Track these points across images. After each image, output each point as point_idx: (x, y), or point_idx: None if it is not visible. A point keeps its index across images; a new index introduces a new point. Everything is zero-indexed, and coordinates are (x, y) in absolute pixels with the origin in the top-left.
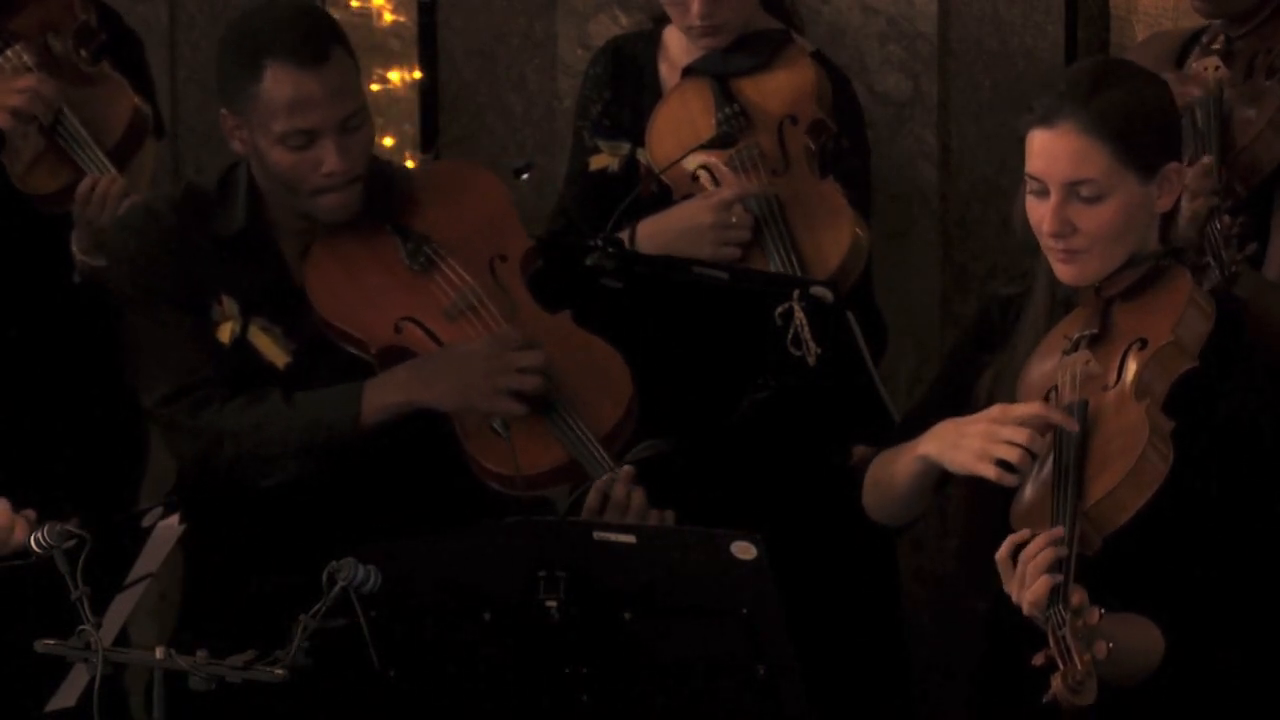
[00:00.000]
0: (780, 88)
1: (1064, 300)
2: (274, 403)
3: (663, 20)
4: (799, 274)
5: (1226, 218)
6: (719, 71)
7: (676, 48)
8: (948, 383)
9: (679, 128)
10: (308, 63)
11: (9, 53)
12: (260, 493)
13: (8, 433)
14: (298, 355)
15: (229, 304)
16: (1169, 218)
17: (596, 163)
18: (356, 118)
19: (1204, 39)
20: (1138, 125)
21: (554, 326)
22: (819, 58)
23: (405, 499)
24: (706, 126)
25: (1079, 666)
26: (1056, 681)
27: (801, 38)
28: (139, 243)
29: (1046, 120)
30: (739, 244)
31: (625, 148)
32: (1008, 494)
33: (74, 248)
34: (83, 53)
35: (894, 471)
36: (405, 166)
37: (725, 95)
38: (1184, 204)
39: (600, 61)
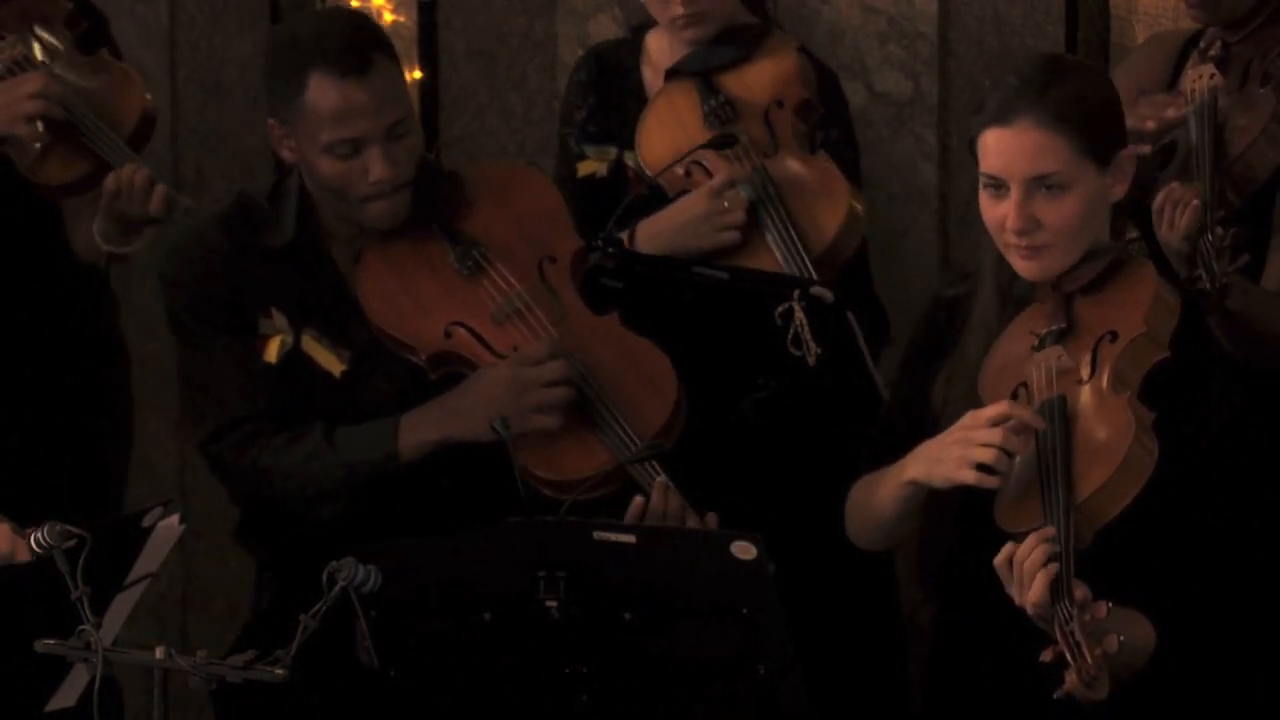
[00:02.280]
0: (763, 76)
1: (1017, 298)
2: (315, 441)
3: (641, 29)
4: (800, 250)
5: (1219, 229)
6: (701, 68)
7: (659, 52)
8: (903, 395)
9: (669, 129)
10: (351, 72)
11: (2, 44)
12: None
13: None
14: (353, 362)
15: (278, 317)
16: (1119, 209)
17: (584, 169)
18: (402, 125)
19: (1201, 44)
20: (1093, 115)
21: (601, 328)
22: (803, 52)
23: (415, 505)
24: (695, 123)
25: (1090, 661)
26: (1071, 678)
27: (782, 30)
28: (189, 267)
29: (1002, 118)
30: (735, 227)
31: (612, 152)
32: (964, 493)
33: (97, 238)
34: (70, 40)
35: (879, 498)
36: (455, 169)
37: (710, 89)
38: (1172, 220)
39: (583, 68)
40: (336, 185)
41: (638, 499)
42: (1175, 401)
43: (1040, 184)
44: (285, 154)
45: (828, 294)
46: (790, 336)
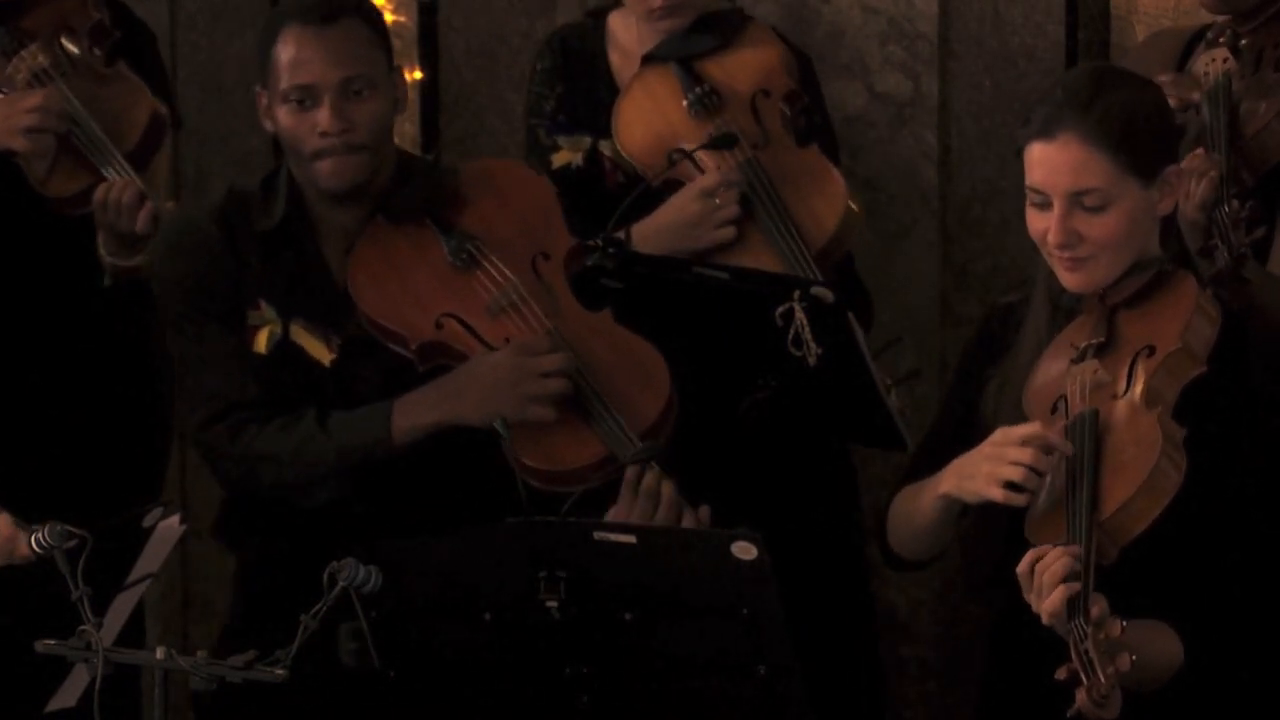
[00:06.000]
0: (747, 64)
1: (1066, 309)
2: (308, 426)
3: (600, 12)
4: (799, 243)
5: (1235, 202)
6: (680, 55)
7: (625, 35)
8: (957, 400)
9: (648, 116)
10: (313, 22)
11: (24, 53)
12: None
13: (30, 436)
14: (342, 351)
15: (267, 308)
16: (1169, 222)
17: (559, 160)
18: (359, 82)
19: (1210, 34)
20: (1137, 131)
21: (595, 325)
22: (777, 35)
23: (407, 499)
24: (677, 111)
25: (1103, 680)
26: (1081, 696)
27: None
28: (182, 260)
29: (1045, 132)
30: (730, 221)
31: (586, 141)
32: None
33: (100, 251)
34: (97, 52)
35: (917, 510)
36: (450, 165)
37: (692, 77)
38: (1189, 190)
39: (547, 56)
40: (291, 139)
41: (628, 476)
42: (1212, 415)
43: (1081, 199)
44: (267, 124)
45: (828, 294)
46: (790, 336)
